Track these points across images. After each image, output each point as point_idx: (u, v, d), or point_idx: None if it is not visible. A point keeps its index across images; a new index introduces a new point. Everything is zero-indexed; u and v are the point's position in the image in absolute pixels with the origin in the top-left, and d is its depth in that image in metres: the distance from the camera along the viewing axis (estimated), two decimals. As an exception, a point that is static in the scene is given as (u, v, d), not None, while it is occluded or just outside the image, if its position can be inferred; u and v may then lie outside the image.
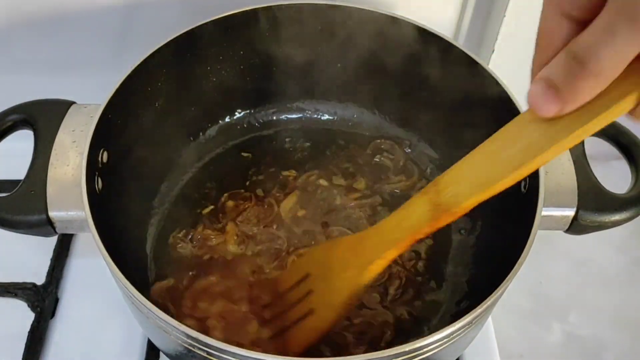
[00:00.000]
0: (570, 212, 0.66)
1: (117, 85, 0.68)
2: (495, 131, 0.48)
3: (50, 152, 0.66)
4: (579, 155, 0.68)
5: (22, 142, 0.69)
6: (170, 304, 0.69)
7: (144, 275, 0.74)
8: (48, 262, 0.82)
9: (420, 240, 0.76)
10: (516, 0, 0.80)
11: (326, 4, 0.78)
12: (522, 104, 0.68)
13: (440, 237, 0.78)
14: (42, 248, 0.83)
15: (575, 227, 0.67)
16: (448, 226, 0.78)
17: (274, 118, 0.91)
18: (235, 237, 0.76)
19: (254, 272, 0.72)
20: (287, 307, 0.63)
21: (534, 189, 0.63)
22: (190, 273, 0.72)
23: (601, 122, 0.38)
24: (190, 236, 0.76)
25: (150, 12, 0.84)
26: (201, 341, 0.51)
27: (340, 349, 0.67)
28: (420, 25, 0.75)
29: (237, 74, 0.83)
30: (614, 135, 0.70)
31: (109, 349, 0.75)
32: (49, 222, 0.63)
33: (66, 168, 0.65)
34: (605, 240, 0.88)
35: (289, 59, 0.84)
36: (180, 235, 0.77)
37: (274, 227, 0.77)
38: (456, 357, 0.74)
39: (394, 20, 0.76)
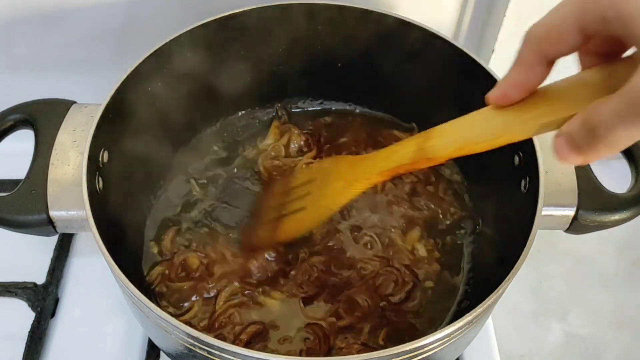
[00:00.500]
0: (570, 212, 0.66)
1: (117, 85, 0.68)
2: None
3: (50, 152, 0.66)
4: (579, 155, 0.68)
5: (22, 142, 0.69)
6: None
7: (144, 274, 0.74)
8: (48, 262, 0.82)
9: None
10: (516, 0, 0.81)
11: (326, 4, 0.78)
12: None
13: (441, 237, 0.78)
14: (42, 248, 0.83)
15: (575, 226, 0.67)
16: (448, 226, 0.79)
17: (273, 117, 0.91)
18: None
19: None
20: (288, 201, 0.72)
21: (534, 189, 0.63)
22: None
23: (550, 127, 0.45)
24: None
25: (151, 12, 0.84)
26: (202, 340, 0.52)
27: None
28: (420, 25, 0.75)
29: (237, 73, 0.83)
30: (614, 135, 0.70)
31: (109, 348, 0.76)
32: (50, 222, 0.63)
33: (67, 168, 0.65)
34: (605, 240, 0.88)
35: (289, 59, 0.84)
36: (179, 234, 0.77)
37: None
38: (456, 357, 0.74)
39: (394, 20, 0.76)
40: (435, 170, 0.84)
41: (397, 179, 0.82)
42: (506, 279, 0.56)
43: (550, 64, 0.44)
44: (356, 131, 0.87)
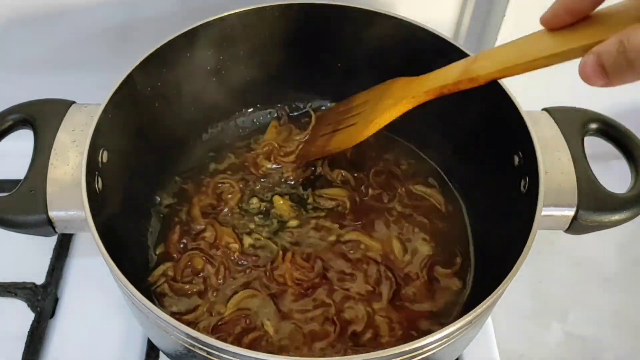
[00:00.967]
0: (570, 212, 0.66)
1: (117, 85, 0.68)
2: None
3: (50, 152, 0.66)
4: (578, 155, 0.68)
5: (22, 141, 0.69)
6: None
7: (144, 274, 0.74)
8: (48, 262, 0.82)
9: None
10: (516, 0, 0.80)
11: (326, 4, 0.78)
12: (521, 103, 0.68)
13: (441, 237, 0.78)
14: (42, 248, 0.83)
15: (575, 226, 0.67)
16: (449, 226, 0.79)
17: (273, 117, 0.91)
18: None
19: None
20: (343, 119, 0.79)
21: (533, 189, 0.63)
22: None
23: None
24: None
25: (150, 12, 0.84)
26: (201, 341, 0.52)
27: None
28: (420, 25, 0.75)
29: (237, 73, 0.83)
30: (613, 135, 0.70)
31: (109, 348, 0.76)
32: (49, 222, 0.63)
33: (66, 168, 0.65)
34: (605, 240, 0.88)
35: (288, 59, 0.84)
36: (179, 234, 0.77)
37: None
38: (456, 357, 0.74)
39: (394, 20, 0.76)
40: (436, 170, 0.85)
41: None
42: (506, 279, 0.56)
43: None
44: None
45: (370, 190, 0.82)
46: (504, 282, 0.56)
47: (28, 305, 0.78)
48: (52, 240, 0.84)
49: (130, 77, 0.69)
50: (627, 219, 0.66)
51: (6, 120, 0.68)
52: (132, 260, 0.73)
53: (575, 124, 0.71)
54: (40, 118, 0.68)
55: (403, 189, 0.82)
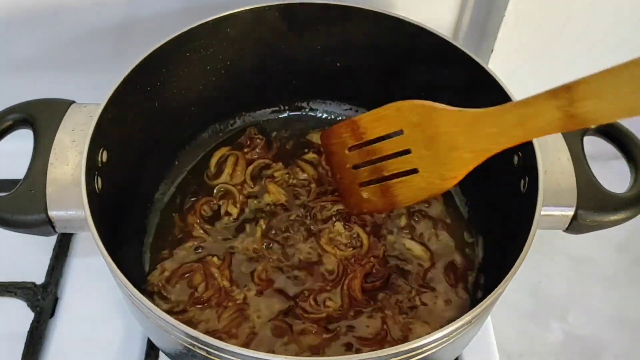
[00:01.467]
0: (570, 212, 0.66)
1: (116, 85, 0.68)
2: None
3: (49, 152, 0.66)
4: (578, 155, 0.68)
5: (21, 141, 0.69)
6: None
7: (144, 274, 0.74)
8: (48, 262, 0.82)
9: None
10: (516, 0, 0.80)
11: (326, 3, 0.78)
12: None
13: (441, 237, 0.78)
14: (41, 248, 0.83)
15: (575, 226, 0.67)
16: (448, 226, 0.79)
17: (274, 118, 0.91)
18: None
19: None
20: (381, 154, 0.69)
21: (533, 189, 0.63)
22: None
23: None
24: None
25: (150, 12, 0.84)
26: (201, 340, 0.52)
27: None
28: (419, 25, 0.75)
29: (237, 73, 0.83)
30: (613, 134, 0.70)
31: (109, 348, 0.76)
32: (49, 222, 0.63)
33: (66, 167, 0.65)
34: (605, 240, 0.89)
35: (288, 59, 0.84)
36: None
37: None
38: (456, 356, 0.74)
39: (394, 20, 0.76)
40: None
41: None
42: (505, 278, 0.56)
43: None
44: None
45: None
46: (503, 281, 0.56)
47: (28, 305, 0.78)
48: (52, 240, 0.84)
49: (130, 77, 0.69)
50: (627, 219, 0.66)
51: (6, 120, 0.68)
52: (132, 260, 0.74)
53: (575, 123, 0.71)
54: (40, 118, 0.68)
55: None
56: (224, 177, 0.83)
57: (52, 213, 0.63)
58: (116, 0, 0.82)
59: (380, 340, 0.69)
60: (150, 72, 0.73)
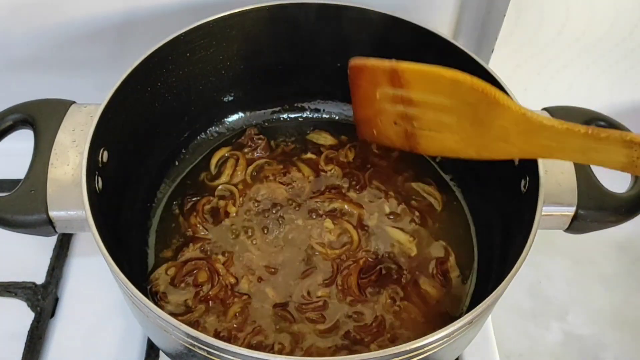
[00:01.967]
0: (570, 211, 0.66)
1: (116, 85, 0.68)
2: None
3: (50, 152, 0.66)
4: (578, 155, 0.68)
5: (22, 141, 0.69)
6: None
7: (144, 274, 0.74)
8: (48, 262, 0.82)
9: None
10: (516, 0, 0.80)
11: (325, 4, 0.78)
12: (521, 102, 0.68)
13: (441, 237, 0.79)
14: (42, 248, 0.83)
15: (575, 226, 0.67)
16: (449, 226, 0.79)
17: (273, 118, 0.91)
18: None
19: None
20: (419, 108, 0.66)
21: (534, 188, 0.63)
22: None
23: None
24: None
25: (150, 12, 0.84)
26: (201, 340, 0.52)
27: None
28: (420, 25, 0.75)
29: (237, 73, 0.83)
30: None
31: (109, 348, 0.76)
32: (49, 222, 0.63)
33: (66, 168, 0.65)
34: (605, 240, 0.89)
35: (288, 59, 0.84)
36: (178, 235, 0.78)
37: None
38: (456, 356, 0.74)
39: (394, 20, 0.76)
40: (436, 170, 0.85)
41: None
42: (506, 278, 0.56)
43: None
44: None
45: (365, 191, 0.82)
46: (503, 282, 0.56)
47: (28, 305, 0.78)
48: (52, 240, 0.84)
49: (130, 77, 0.69)
50: (627, 219, 0.66)
51: (6, 120, 0.68)
52: (132, 260, 0.74)
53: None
54: (40, 118, 0.68)
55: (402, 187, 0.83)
56: (225, 177, 0.83)
57: (53, 213, 0.63)
58: (117, 1, 0.82)
59: (378, 330, 0.70)
60: (150, 72, 0.73)
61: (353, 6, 0.77)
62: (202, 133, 0.87)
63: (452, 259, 0.76)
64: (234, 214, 0.79)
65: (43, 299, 0.79)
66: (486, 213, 0.77)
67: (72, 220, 0.63)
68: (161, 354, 0.75)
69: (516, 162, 0.69)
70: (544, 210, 0.62)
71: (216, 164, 0.85)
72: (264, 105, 0.90)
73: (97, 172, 0.65)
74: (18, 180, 0.64)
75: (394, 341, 0.69)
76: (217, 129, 0.88)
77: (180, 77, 0.78)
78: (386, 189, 0.82)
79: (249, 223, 0.78)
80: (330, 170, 0.83)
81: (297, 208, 0.80)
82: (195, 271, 0.73)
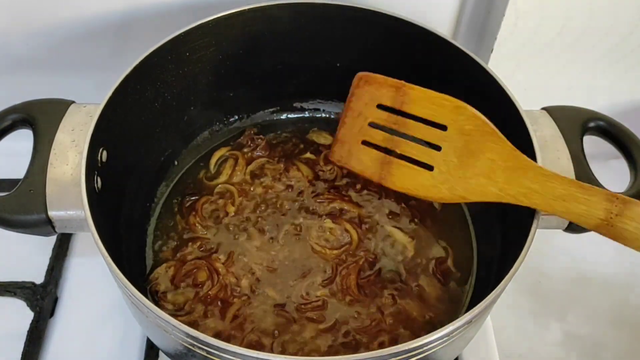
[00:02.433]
0: (570, 212, 0.65)
1: (116, 85, 0.68)
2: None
3: (49, 152, 0.66)
4: (578, 154, 0.68)
5: (21, 141, 0.69)
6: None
7: (144, 274, 0.74)
8: (47, 262, 0.82)
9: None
10: (516, 0, 0.80)
11: (325, 3, 0.78)
12: (520, 102, 0.68)
13: (441, 237, 0.78)
14: (41, 248, 0.83)
15: (574, 226, 0.66)
16: (448, 226, 0.79)
17: (273, 117, 0.91)
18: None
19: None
20: (408, 132, 0.67)
21: (533, 189, 0.63)
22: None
23: None
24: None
25: (149, 13, 0.84)
26: (201, 340, 0.51)
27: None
28: (420, 25, 0.75)
29: (237, 73, 0.83)
30: (613, 134, 0.70)
31: (108, 348, 0.76)
32: (49, 222, 0.63)
33: (65, 167, 0.65)
34: (605, 240, 0.88)
35: (288, 59, 0.84)
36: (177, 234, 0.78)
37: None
38: (455, 356, 0.74)
39: (394, 20, 0.76)
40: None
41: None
42: (505, 278, 0.56)
43: None
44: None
45: (365, 191, 0.82)
46: (503, 281, 0.56)
47: (27, 305, 0.78)
48: (51, 240, 0.84)
49: (129, 76, 0.69)
50: (627, 219, 0.66)
51: (6, 120, 0.68)
52: (132, 260, 0.74)
53: (575, 123, 0.71)
54: (39, 118, 0.68)
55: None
56: (224, 176, 0.83)
57: (52, 213, 0.63)
58: (116, 1, 0.82)
59: (377, 330, 0.70)
60: (150, 71, 0.73)
61: (353, 6, 0.77)
62: (202, 133, 0.87)
63: (451, 259, 0.76)
64: (233, 214, 0.79)
65: (42, 298, 0.79)
66: (485, 213, 0.77)
67: (71, 220, 0.63)
68: (161, 354, 0.75)
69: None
70: (543, 210, 0.62)
71: (215, 163, 0.85)
72: (264, 105, 0.90)
73: (96, 172, 0.65)
74: (17, 180, 0.64)
75: (393, 341, 0.69)
76: (217, 128, 0.88)
77: (180, 76, 0.78)
78: (385, 189, 0.82)
79: (248, 223, 0.78)
80: (330, 170, 0.83)
81: (296, 208, 0.80)
82: (194, 271, 0.74)
